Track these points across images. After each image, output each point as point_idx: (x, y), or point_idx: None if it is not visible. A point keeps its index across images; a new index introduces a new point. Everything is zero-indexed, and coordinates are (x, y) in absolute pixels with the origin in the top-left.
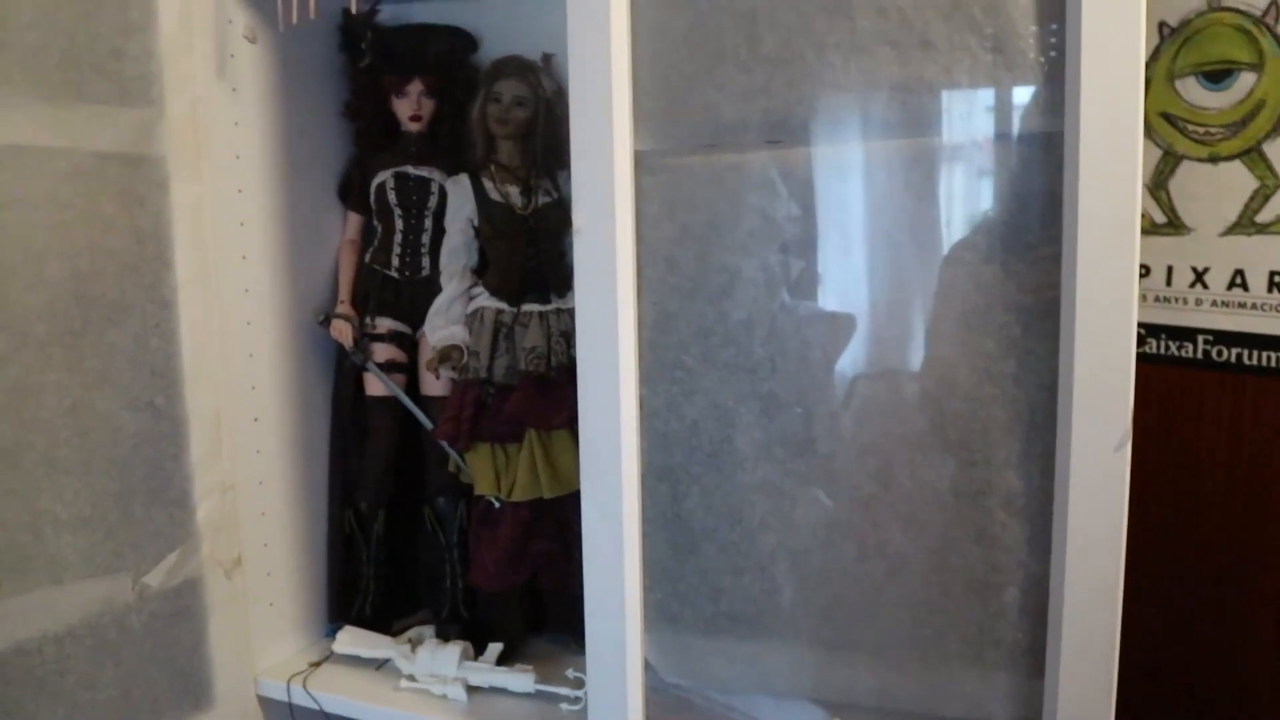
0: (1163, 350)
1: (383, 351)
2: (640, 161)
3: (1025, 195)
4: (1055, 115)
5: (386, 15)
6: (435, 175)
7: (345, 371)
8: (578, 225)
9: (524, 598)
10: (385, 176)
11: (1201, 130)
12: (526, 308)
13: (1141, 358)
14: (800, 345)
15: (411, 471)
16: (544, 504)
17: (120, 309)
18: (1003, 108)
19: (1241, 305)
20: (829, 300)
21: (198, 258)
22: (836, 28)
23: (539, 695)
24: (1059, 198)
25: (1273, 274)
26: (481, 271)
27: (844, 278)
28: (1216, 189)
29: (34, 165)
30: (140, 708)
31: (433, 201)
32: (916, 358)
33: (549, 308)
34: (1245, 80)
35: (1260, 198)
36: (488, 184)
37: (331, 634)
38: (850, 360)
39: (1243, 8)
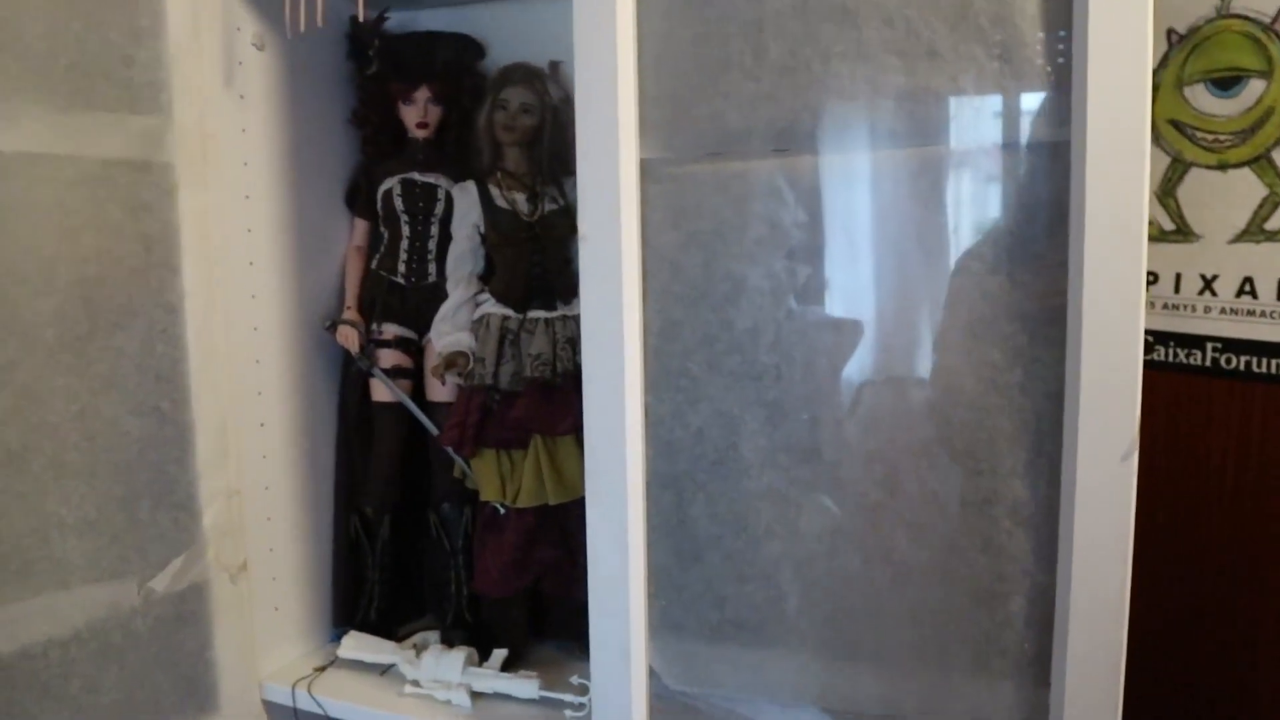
0: (1171, 358)
1: (389, 357)
2: (646, 169)
3: (1032, 204)
4: (1062, 124)
5: (394, 23)
6: (442, 182)
7: (351, 377)
8: (583, 232)
9: (528, 603)
10: (392, 183)
11: (1210, 137)
12: (532, 314)
13: (1149, 365)
14: (806, 353)
15: (417, 477)
16: (549, 510)
17: (127, 314)
18: (1009, 116)
19: (1250, 313)
20: (834, 308)
21: (205, 264)
22: (843, 37)
23: (543, 701)
24: (1065, 206)
25: None
26: (487, 278)
27: (849, 286)
28: (1225, 196)
29: (43, 172)
30: (145, 712)
31: (439, 208)
32: (923, 366)
33: (554, 314)
34: (1254, 87)
35: (1269, 205)
36: (494, 191)
37: (336, 639)
38: (856, 368)
39: (1252, 15)
